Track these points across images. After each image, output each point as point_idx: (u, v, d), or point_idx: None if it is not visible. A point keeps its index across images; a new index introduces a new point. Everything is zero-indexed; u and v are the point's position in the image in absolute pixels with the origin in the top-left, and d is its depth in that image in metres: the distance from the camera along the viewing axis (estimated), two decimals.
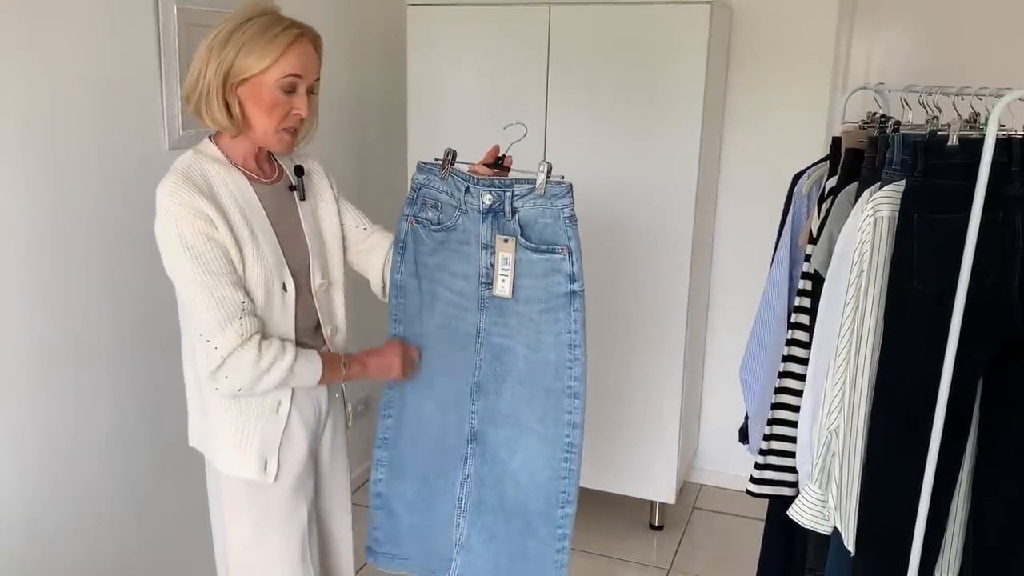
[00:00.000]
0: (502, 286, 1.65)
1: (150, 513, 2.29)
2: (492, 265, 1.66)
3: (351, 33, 3.06)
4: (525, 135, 1.73)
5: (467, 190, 1.66)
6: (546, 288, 1.62)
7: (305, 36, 1.57)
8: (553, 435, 1.66)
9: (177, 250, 1.50)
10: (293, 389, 1.66)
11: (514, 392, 1.69)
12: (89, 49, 2.00)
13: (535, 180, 1.59)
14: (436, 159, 1.71)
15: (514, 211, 1.62)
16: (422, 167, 1.73)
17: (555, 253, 1.60)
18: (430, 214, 1.73)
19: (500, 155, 1.71)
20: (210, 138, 1.64)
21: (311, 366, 1.61)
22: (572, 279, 1.60)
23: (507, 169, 1.71)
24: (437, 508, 1.82)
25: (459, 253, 1.71)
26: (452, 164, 1.68)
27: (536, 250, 1.62)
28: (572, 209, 1.59)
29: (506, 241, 1.63)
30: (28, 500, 1.96)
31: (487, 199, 1.64)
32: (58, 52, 1.92)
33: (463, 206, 1.68)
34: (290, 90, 1.56)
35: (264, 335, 1.57)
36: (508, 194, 1.62)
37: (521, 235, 1.62)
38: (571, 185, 1.59)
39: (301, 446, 1.70)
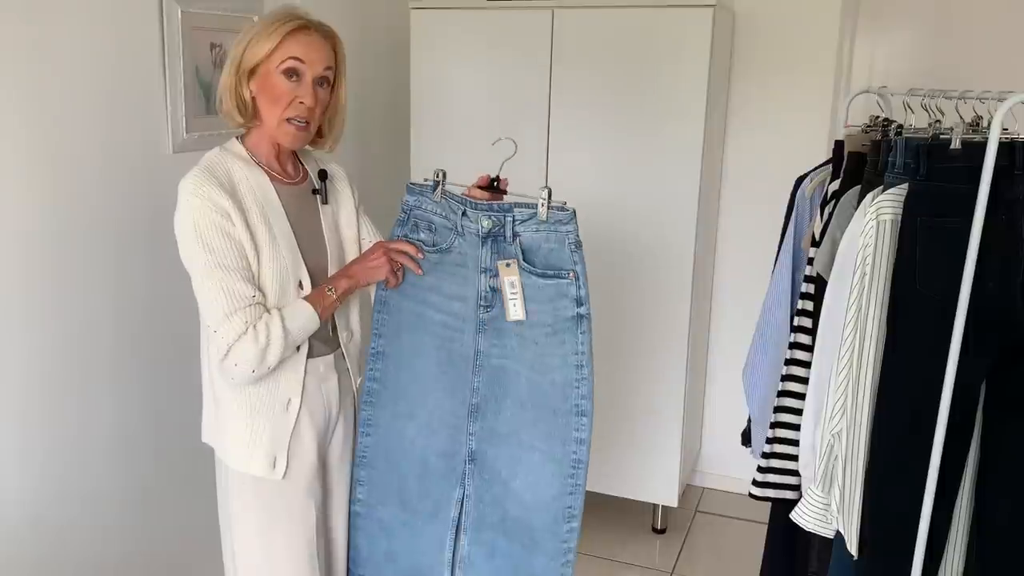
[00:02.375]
0: (515, 310, 1.64)
1: (154, 512, 2.30)
2: (493, 289, 1.66)
3: (355, 36, 3.07)
4: (515, 152, 1.73)
5: (464, 213, 1.67)
6: (553, 312, 1.63)
7: (311, 28, 1.61)
8: (560, 453, 1.66)
9: (192, 242, 1.53)
10: (304, 388, 1.67)
11: (514, 412, 1.69)
12: (93, 52, 2.01)
13: (535, 205, 1.60)
14: (425, 180, 1.72)
15: (515, 235, 1.63)
16: (412, 188, 1.73)
17: (562, 278, 1.61)
18: (423, 235, 1.73)
19: (494, 177, 1.71)
20: (237, 138, 1.67)
21: (300, 312, 1.60)
22: (579, 303, 1.61)
23: (503, 192, 1.70)
24: (421, 531, 1.81)
25: (454, 275, 1.71)
26: (443, 185, 1.69)
27: (542, 275, 1.62)
28: (577, 234, 1.60)
29: (508, 265, 1.63)
30: (32, 500, 1.96)
31: (486, 224, 1.64)
32: (62, 55, 1.93)
33: (459, 229, 1.68)
34: (293, 77, 1.59)
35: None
36: (509, 219, 1.62)
37: (524, 259, 1.63)
38: (575, 211, 1.60)
39: (310, 445, 1.70)
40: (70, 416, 2.03)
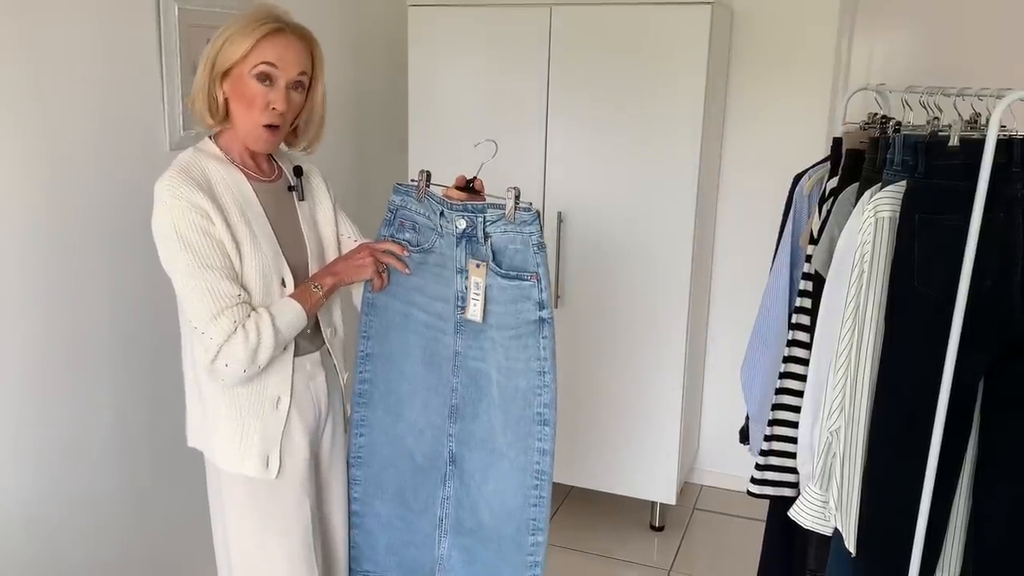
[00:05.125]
0: (473, 310, 1.65)
1: (149, 513, 2.29)
2: (467, 289, 1.66)
3: (353, 34, 3.06)
4: (496, 154, 1.73)
5: (442, 214, 1.67)
6: (516, 314, 1.63)
7: (286, 30, 1.58)
8: (523, 462, 1.66)
9: (173, 243, 1.51)
10: (293, 385, 1.66)
11: (489, 416, 1.69)
12: (91, 50, 2.00)
13: (505, 205, 1.60)
14: (412, 180, 1.72)
15: (487, 236, 1.63)
16: (398, 188, 1.74)
17: (524, 280, 1.61)
18: (408, 235, 1.73)
19: (470, 179, 1.70)
20: (210, 137, 1.65)
21: (288, 309, 1.60)
22: (541, 306, 1.60)
23: (479, 192, 1.70)
24: (415, 526, 1.82)
25: (437, 276, 1.71)
26: (427, 186, 1.69)
27: (506, 276, 1.62)
28: (540, 236, 1.60)
29: (478, 266, 1.64)
30: (26, 500, 1.96)
31: (460, 224, 1.64)
32: (60, 52, 1.93)
33: (439, 229, 1.69)
34: (266, 81, 1.56)
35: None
36: (480, 219, 1.62)
37: (493, 260, 1.63)
38: (538, 212, 1.60)
39: (302, 443, 1.70)
40: (65, 416, 2.03)
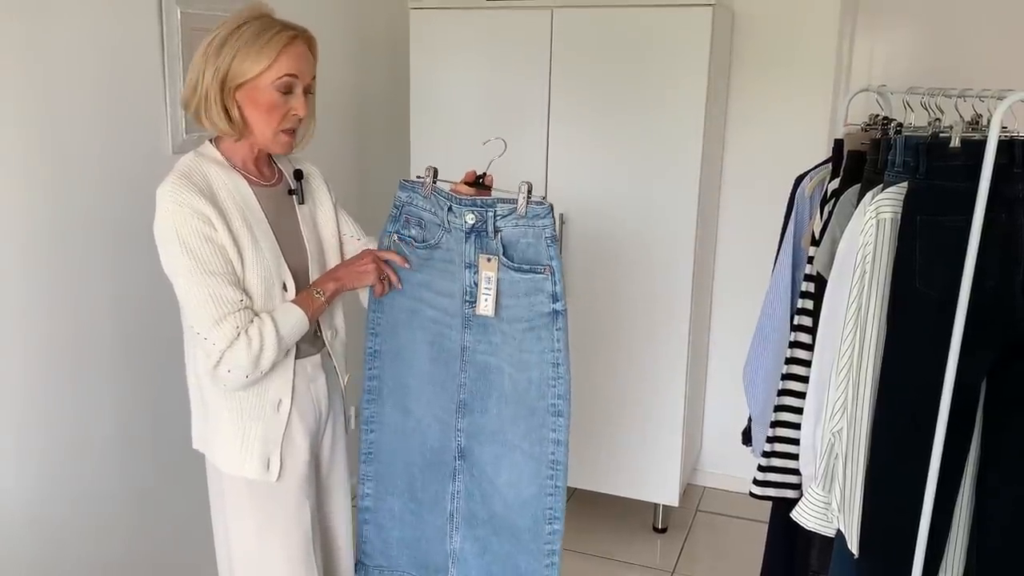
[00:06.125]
0: (485, 305, 1.66)
1: (152, 513, 2.30)
2: (476, 284, 1.67)
3: (354, 36, 3.07)
4: (504, 151, 1.73)
5: (450, 209, 1.68)
6: (529, 307, 1.63)
7: (299, 38, 1.59)
8: (538, 452, 1.67)
9: (175, 249, 1.52)
10: (294, 388, 1.67)
11: (499, 410, 1.70)
12: (93, 53, 2.01)
13: (516, 200, 1.61)
14: (418, 177, 1.73)
15: (497, 231, 1.64)
16: (404, 185, 1.75)
17: (537, 273, 1.62)
18: (413, 231, 1.74)
19: (480, 174, 1.71)
20: (211, 141, 1.66)
21: (291, 314, 1.60)
22: (555, 298, 1.61)
23: (488, 188, 1.71)
24: (426, 520, 1.83)
25: (443, 271, 1.72)
26: (434, 182, 1.70)
27: (519, 270, 1.63)
28: (553, 229, 1.61)
29: (489, 260, 1.64)
30: (30, 500, 1.96)
31: (469, 219, 1.65)
32: (62, 55, 1.93)
33: (446, 225, 1.69)
34: (287, 91, 1.58)
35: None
36: (490, 214, 1.63)
37: (504, 254, 1.64)
38: (551, 206, 1.61)
39: (303, 446, 1.70)
40: (68, 416, 2.04)
